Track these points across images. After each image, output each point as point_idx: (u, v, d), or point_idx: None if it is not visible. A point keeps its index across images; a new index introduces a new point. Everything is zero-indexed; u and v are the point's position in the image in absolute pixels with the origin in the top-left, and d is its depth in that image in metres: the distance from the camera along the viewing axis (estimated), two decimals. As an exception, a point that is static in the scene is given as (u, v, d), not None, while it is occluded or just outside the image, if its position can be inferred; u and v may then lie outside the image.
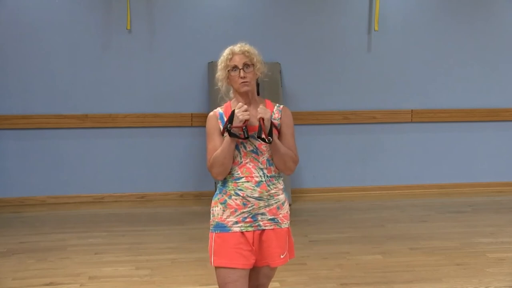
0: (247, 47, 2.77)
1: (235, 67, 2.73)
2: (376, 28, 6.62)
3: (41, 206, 6.24)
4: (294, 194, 6.53)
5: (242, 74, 2.71)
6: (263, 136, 2.65)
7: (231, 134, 2.65)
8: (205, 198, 6.44)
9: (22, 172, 6.27)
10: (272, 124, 2.70)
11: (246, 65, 2.73)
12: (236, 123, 2.64)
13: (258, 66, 2.76)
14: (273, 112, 2.80)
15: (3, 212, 6.02)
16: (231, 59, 2.75)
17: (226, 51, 2.78)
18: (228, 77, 2.76)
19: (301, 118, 6.44)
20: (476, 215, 6.04)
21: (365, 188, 6.88)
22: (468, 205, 6.40)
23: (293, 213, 5.28)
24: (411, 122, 6.89)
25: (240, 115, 2.64)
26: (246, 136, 2.66)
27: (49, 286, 4.10)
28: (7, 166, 6.24)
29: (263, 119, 2.66)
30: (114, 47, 6.30)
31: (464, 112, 6.98)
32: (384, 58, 6.75)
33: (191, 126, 6.43)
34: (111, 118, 6.35)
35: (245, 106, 2.67)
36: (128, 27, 6.25)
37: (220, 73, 2.79)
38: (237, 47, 2.76)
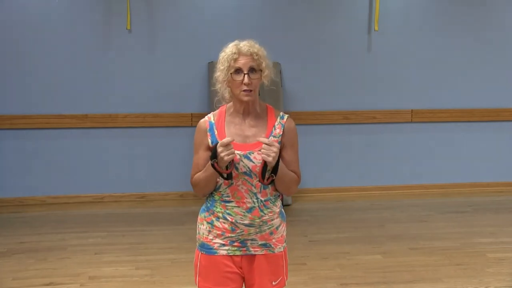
0: (256, 47, 2.39)
1: (239, 70, 2.35)
2: (376, 28, 6.62)
3: (41, 206, 6.24)
4: (294, 194, 6.52)
5: (246, 80, 2.32)
6: (265, 182, 2.38)
7: (215, 169, 2.34)
8: (205, 198, 6.43)
9: (22, 172, 6.26)
10: (278, 157, 2.32)
11: (252, 69, 2.35)
12: (221, 162, 2.30)
13: (266, 73, 2.39)
14: (274, 126, 2.44)
15: (3, 212, 6.02)
16: (236, 60, 2.35)
17: (231, 48, 2.38)
18: (229, 80, 2.38)
19: (301, 118, 6.44)
20: (476, 215, 6.04)
21: (365, 188, 6.88)
22: (468, 205, 6.40)
23: (293, 213, 5.28)
24: (411, 122, 6.88)
25: (224, 155, 2.27)
26: (229, 178, 2.38)
27: (49, 286, 4.11)
28: (7, 166, 6.24)
29: (265, 162, 2.32)
30: (114, 47, 6.29)
31: (464, 112, 6.98)
32: (384, 58, 6.75)
33: (191, 126, 6.43)
34: (111, 118, 6.34)
35: (229, 144, 2.28)
36: (128, 27, 6.25)
37: (219, 74, 2.40)
38: (244, 46, 2.38)
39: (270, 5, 6.54)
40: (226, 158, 2.28)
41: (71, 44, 6.21)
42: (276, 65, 6.39)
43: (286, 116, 2.50)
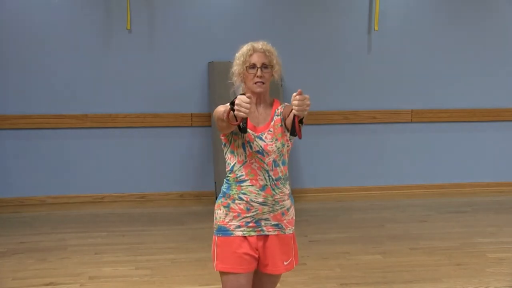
0: (268, 46, 2.73)
1: (253, 65, 2.66)
2: (376, 28, 6.62)
3: (41, 206, 6.24)
4: (294, 194, 6.48)
5: (259, 73, 2.64)
6: (296, 134, 2.48)
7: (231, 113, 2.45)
8: (205, 198, 6.44)
9: (22, 172, 6.26)
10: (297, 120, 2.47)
11: (264, 65, 2.66)
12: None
13: (276, 68, 2.70)
14: (277, 109, 2.73)
15: (3, 212, 6.02)
16: (251, 55, 2.67)
17: (247, 47, 2.71)
18: (244, 74, 2.68)
19: (301, 118, 6.42)
20: (476, 215, 6.04)
21: (365, 188, 6.88)
22: (468, 205, 6.40)
23: (293, 213, 5.16)
24: (411, 122, 6.88)
25: (237, 109, 2.38)
26: (241, 128, 2.47)
27: (49, 286, 4.10)
28: (7, 166, 6.24)
29: (298, 117, 2.44)
30: (114, 47, 6.29)
31: (464, 112, 6.98)
32: (384, 58, 6.75)
33: (191, 126, 6.43)
34: (111, 118, 6.34)
35: (248, 100, 2.40)
36: (128, 27, 6.25)
37: (236, 68, 2.70)
38: (258, 45, 2.71)
39: (270, 5, 6.54)
40: (236, 112, 2.38)
41: (71, 44, 6.21)
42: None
43: (286, 104, 2.78)
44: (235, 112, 2.40)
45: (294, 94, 2.41)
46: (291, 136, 2.56)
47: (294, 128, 2.47)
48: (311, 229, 5.46)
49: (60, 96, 6.24)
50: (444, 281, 4.22)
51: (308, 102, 2.41)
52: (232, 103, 2.42)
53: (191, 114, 6.43)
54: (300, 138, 2.51)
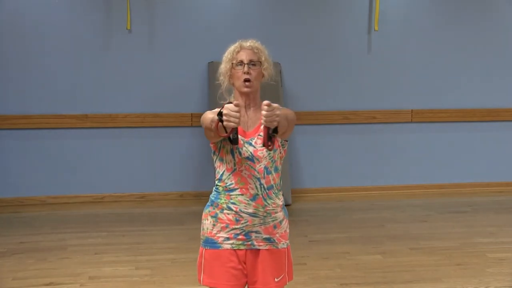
0: (257, 44, 2.59)
1: (240, 62, 2.51)
2: (376, 28, 6.62)
3: (41, 206, 6.24)
4: (294, 194, 6.53)
5: (246, 69, 2.48)
6: (268, 145, 2.34)
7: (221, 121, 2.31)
8: (205, 198, 6.36)
9: (22, 172, 6.26)
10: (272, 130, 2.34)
11: (252, 62, 2.51)
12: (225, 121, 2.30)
13: (265, 66, 2.55)
14: None
15: (3, 212, 6.02)
16: (238, 52, 2.54)
17: (235, 44, 2.58)
18: (231, 72, 2.53)
19: (301, 118, 6.43)
20: (476, 215, 6.04)
21: (365, 188, 6.88)
22: (468, 205, 6.40)
23: (293, 213, 5.26)
24: (411, 122, 6.88)
25: (226, 119, 2.25)
26: (232, 140, 2.36)
27: (49, 286, 4.11)
28: (7, 166, 6.24)
29: (268, 128, 2.31)
30: (114, 47, 6.29)
31: (464, 112, 6.98)
32: (384, 58, 6.75)
33: (191, 126, 6.43)
34: (111, 118, 6.35)
35: (237, 109, 2.24)
36: (128, 27, 6.25)
37: (223, 66, 2.57)
38: (246, 42, 2.58)
39: (270, 5, 6.54)
40: (225, 123, 2.26)
41: (71, 44, 6.21)
42: (276, 65, 6.39)
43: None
44: (224, 123, 2.26)
45: (264, 103, 2.24)
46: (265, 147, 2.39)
47: (264, 139, 2.34)
48: (311, 229, 5.46)
49: (60, 96, 6.24)
50: (444, 281, 4.22)
51: (278, 112, 2.24)
52: (220, 114, 2.28)
53: (191, 114, 6.43)
54: (270, 150, 2.37)
